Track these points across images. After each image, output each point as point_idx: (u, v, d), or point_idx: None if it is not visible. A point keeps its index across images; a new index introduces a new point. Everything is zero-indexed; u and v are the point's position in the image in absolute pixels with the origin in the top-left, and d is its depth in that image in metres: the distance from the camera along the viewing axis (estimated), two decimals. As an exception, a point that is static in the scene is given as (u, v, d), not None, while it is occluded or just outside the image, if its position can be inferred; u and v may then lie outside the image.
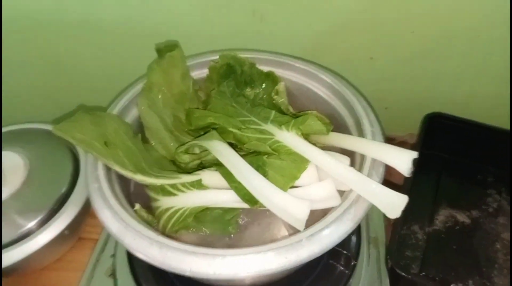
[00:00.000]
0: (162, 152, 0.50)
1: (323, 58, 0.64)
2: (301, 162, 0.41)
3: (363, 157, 0.43)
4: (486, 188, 0.64)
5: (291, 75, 0.53)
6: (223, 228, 0.44)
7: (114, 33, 0.62)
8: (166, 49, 0.51)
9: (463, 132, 0.66)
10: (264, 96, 0.53)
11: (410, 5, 0.57)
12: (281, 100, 0.52)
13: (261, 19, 0.60)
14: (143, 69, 0.56)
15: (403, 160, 0.39)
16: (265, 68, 0.54)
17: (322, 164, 0.41)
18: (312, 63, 0.54)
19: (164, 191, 0.43)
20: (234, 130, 0.45)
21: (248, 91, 0.53)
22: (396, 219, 0.38)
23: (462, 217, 0.61)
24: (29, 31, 0.61)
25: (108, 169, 0.43)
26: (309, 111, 0.50)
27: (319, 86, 0.52)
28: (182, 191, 0.42)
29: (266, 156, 0.43)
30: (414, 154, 0.40)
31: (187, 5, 0.58)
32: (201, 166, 0.47)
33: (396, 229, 0.55)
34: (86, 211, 0.64)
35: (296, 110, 0.52)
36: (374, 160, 0.41)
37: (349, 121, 0.48)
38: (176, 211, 0.41)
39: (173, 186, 0.42)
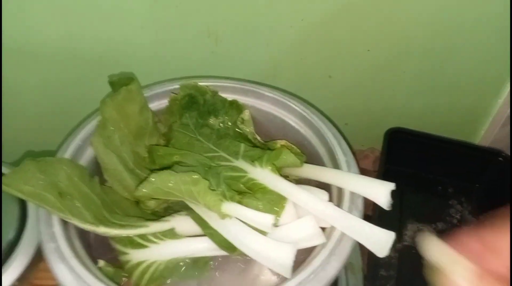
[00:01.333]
0: (124, 193, 0.45)
1: (282, 78, 0.63)
2: (279, 201, 0.39)
3: (340, 189, 0.41)
4: (447, 199, 0.66)
5: (256, 103, 0.51)
6: (198, 275, 0.41)
7: (57, 59, 0.56)
8: (121, 82, 0.47)
9: (421, 145, 0.67)
10: (229, 125, 0.50)
11: (364, 25, 0.57)
12: (248, 129, 0.49)
13: (216, 41, 0.58)
14: (94, 100, 0.52)
15: (382, 193, 0.38)
16: (229, 96, 0.51)
17: (300, 202, 0.39)
18: (279, 90, 0.52)
19: (133, 243, 0.39)
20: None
21: (212, 120, 0.50)
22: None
23: (429, 230, 0.61)
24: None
25: (64, 223, 0.39)
26: (278, 141, 0.48)
27: (287, 114, 0.50)
28: (154, 242, 0.38)
29: (240, 196, 0.40)
30: (391, 186, 0.39)
31: (138, 26, 0.55)
32: (170, 210, 0.43)
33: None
34: (38, 258, 0.58)
35: (262, 137, 0.50)
36: (352, 194, 0.40)
37: (321, 150, 0.46)
38: (149, 265, 0.37)
39: (143, 236, 0.39)
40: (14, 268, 0.52)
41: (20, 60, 0.56)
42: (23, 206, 0.59)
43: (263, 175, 0.41)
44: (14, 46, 0.54)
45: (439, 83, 0.67)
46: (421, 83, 0.67)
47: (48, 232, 0.37)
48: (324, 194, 0.41)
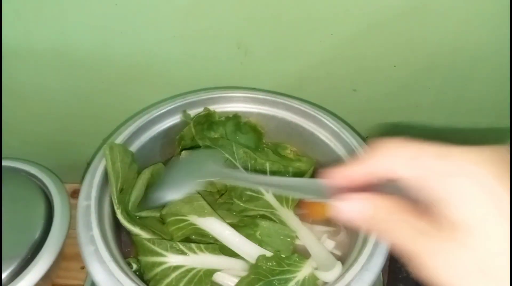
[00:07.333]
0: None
1: (307, 90, 0.63)
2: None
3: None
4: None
5: (286, 115, 0.52)
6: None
7: (87, 64, 0.58)
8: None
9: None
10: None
11: (392, 42, 0.58)
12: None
13: (246, 52, 0.59)
14: (122, 106, 0.53)
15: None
16: (259, 107, 0.52)
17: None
18: (309, 102, 0.53)
19: (173, 248, 0.40)
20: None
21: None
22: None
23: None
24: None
25: (101, 226, 0.40)
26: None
27: (317, 127, 0.51)
28: (194, 252, 0.39)
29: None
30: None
31: (170, 37, 0.56)
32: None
33: (389, 266, 0.56)
34: (61, 256, 0.59)
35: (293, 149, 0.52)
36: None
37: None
38: (188, 271, 0.38)
39: (187, 245, 0.40)
40: (39, 268, 0.54)
41: (56, 66, 0.58)
42: (49, 207, 0.60)
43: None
44: (52, 53, 0.56)
45: (461, 101, 0.68)
46: (444, 100, 0.68)
47: (87, 235, 0.38)
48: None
